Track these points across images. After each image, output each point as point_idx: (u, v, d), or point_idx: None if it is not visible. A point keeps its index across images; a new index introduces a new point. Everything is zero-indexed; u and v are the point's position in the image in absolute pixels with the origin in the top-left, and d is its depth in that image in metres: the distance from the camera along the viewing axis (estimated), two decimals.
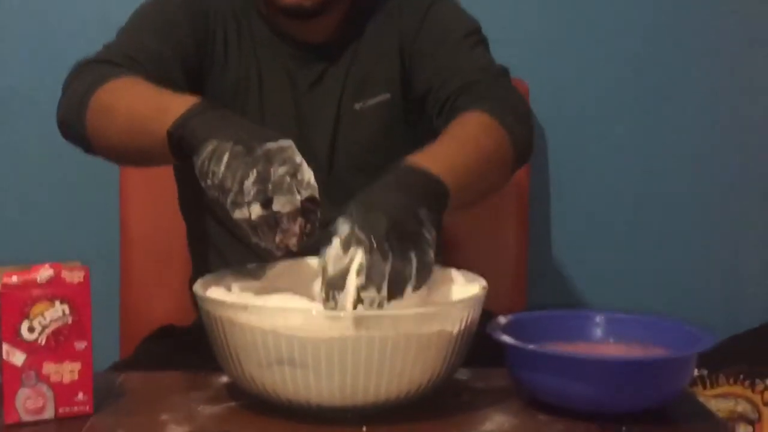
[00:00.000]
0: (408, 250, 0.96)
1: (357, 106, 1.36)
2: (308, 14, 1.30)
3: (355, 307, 0.94)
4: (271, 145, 0.96)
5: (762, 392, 1.80)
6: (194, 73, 1.31)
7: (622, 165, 2.04)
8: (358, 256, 0.94)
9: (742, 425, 1.78)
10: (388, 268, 0.94)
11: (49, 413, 0.97)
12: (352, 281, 0.94)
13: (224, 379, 1.08)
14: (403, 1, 1.39)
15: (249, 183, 0.94)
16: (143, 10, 1.35)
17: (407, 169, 1.05)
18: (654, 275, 2.06)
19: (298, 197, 0.95)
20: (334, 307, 0.95)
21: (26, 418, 0.97)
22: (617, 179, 2.04)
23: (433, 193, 1.03)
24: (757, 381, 1.81)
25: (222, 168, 0.96)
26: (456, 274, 1.10)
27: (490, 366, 1.08)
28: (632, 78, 2.03)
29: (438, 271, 1.10)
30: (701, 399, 1.82)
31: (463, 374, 1.09)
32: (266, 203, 0.95)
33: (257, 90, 1.35)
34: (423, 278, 0.97)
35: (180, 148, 1.04)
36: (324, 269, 0.96)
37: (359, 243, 0.94)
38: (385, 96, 1.37)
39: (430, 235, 0.99)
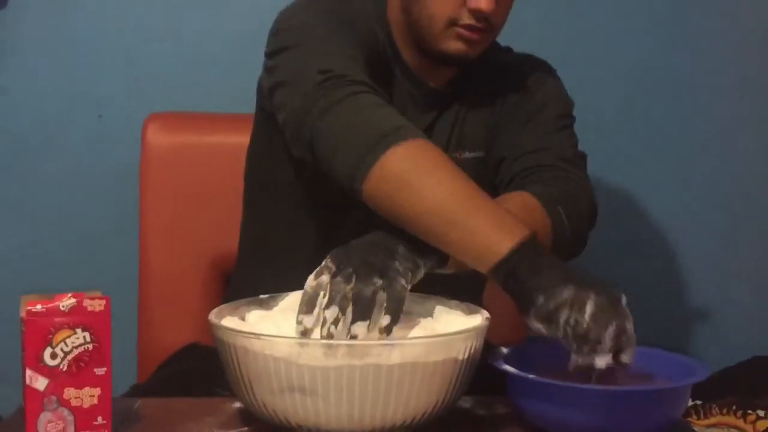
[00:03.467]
0: (372, 275, 0.98)
1: (456, 155, 1.33)
2: (466, 62, 1.29)
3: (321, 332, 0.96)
4: (622, 299, 0.99)
5: (753, 422, 1.77)
6: None
7: (615, 208, 2.04)
8: (324, 284, 0.98)
9: None
10: (348, 289, 0.97)
11: None
12: (319, 303, 0.98)
13: (237, 404, 1.07)
14: (517, 66, 1.39)
15: (608, 335, 0.95)
16: (321, 10, 1.27)
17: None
18: (650, 310, 2.04)
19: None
20: (302, 330, 0.98)
21: None
22: (615, 211, 2.04)
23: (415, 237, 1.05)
24: (749, 411, 1.79)
25: (586, 318, 0.96)
26: (460, 306, 1.10)
27: (492, 394, 1.08)
28: (630, 108, 2.04)
29: (442, 303, 1.10)
30: (696, 429, 1.81)
31: (466, 402, 1.08)
32: (615, 354, 0.96)
33: None
34: (393, 302, 0.98)
35: (510, 273, 1.01)
36: (303, 295, 1.00)
37: (328, 270, 0.99)
38: (480, 153, 1.36)
39: (402, 266, 1.01)
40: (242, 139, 1.47)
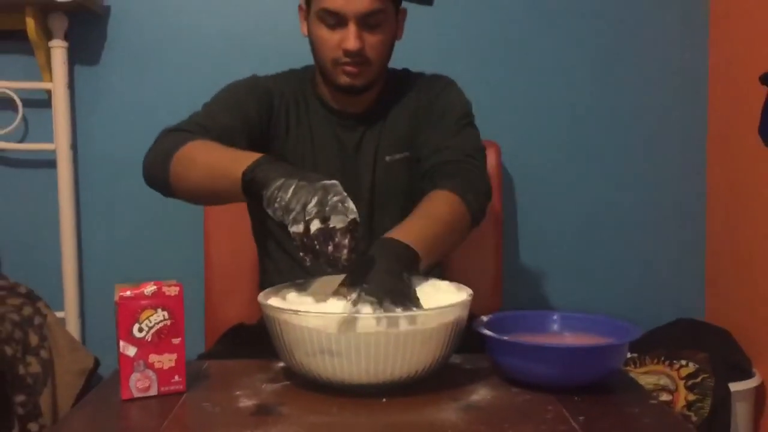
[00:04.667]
0: (401, 303, 0.97)
1: (387, 158, 1.36)
2: (356, 91, 1.30)
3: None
4: (326, 182, 0.97)
5: (678, 369, 1.77)
6: (258, 141, 1.30)
7: (572, 200, 2.04)
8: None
9: (663, 394, 1.76)
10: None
11: (153, 391, 0.98)
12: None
13: (281, 364, 1.08)
14: (423, 81, 1.40)
15: (311, 206, 0.94)
16: (222, 90, 1.34)
17: (393, 243, 1.07)
18: (598, 283, 2.06)
19: (348, 218, 0.94)
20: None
21: (137, 395, 0.97)
22: (569, 211, 2.04)
23: (410, 259, 1.06)
24: (674, 361, 1.79)
25: (288, 195, 0.96)
26: (449, 285, 1.10)
27: (475, 353, 1.08)
28: (576, 136, 2.04)
29: (436, 283, 1.11)
30: (632, 375, 1.81)
31: (456, 359, 1.08)
32: (323, 221, 0.94)
33: (311, 153, 1.35)
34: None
35: (250, 187, 1.02)
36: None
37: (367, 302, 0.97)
38: (406, 153, 1.37)
39: (409, 290, 1.01)
40: None
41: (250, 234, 1.72)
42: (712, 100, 2.03)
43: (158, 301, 0.97)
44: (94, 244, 1.97)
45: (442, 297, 1.06)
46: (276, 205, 0.97)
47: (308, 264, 0.96)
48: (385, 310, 0.96)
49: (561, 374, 0.96)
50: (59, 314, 1.86)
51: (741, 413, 1.78)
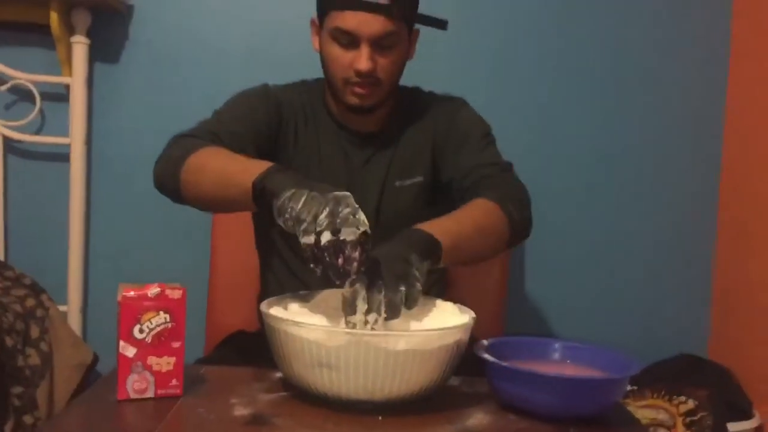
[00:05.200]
0: (398, 284, 0.97)
1: (397, 183, 1.35)
2: (365, 111, 1.30)
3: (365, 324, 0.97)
4: (338, 193, 0.96)
5: (677, 405, 1.76)
6: (266, 150, 1.29)
7: (580, 230, 2.04)
8: (362, 292, 0.97)
9: (661, 430, 1.74)
10: (381, 297, 0.96)
11: (150, 393, 0.97)
12: (360, 308, 0.97)
13: (279, 374, 1.07)
14: (436, 104, 1.38)
15: (322, 217, 0.93)
16: (233, 98, 1.34)
17: (409, 229, 1.07)
18: (602, 313, 2.05)
19: (359, 230, 0.94)
20: (352, 326, 0.98)
21: (133, 396, 0.97)
22: (576, 241, 2.04)
23: (424, 243, 1.04)
24: (674, 397, 1.77)
25: (300, 205, 0.95)
26: (452, 307, 1.10)
27: (475, 376, 1.07)
28: (586, 165, 2.03)
29: (439, 304, 1.10)
30: (631, 409, 1.80)
31: (454, 381, 1.08)
32: (334, 233, 0.93)
33: (318, 166, 1.34)
34: (412, 302, 0.98)
35: (261, 196, 1.01)
36: (343, 298, 0.99)
37: (361, 282, 0.97)
38: (419, 179, 1.35)
39: (419, 272, 1.00)
40: None
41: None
42: (727, 139, 2.02)
43: (161, 303, 0.97)
44: (101, 241, 1.98)
45: (444, 318, 1.06)
46: (287, 215, 0.96)
47: (318, 275, 0.96)
48: (373, 295, 0.96)
49: (559, 404, 0.95)
50: (62, 308, 1.86)
51: None
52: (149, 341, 0.97)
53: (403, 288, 0.97)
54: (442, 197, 1.35)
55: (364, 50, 1.23)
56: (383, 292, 0.96)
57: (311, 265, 0.95)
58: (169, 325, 0.98)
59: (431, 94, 1.42)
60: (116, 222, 1.98)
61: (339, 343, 0.92)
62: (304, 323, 0.96)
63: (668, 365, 1.94)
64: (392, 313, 0.96)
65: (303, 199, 0.95)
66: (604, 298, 2.05)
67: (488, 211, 1.18)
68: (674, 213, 2.05)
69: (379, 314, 0.96)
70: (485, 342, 1.06)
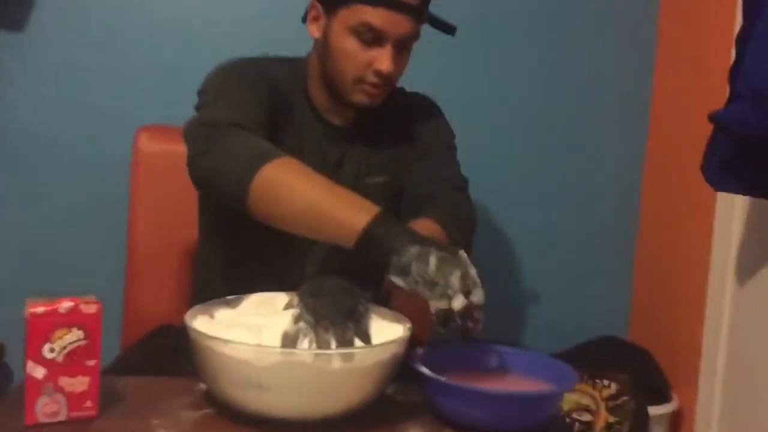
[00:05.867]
0: (347, 322, 0.94)
1: (367, 180, 1.28)
2: (368, 110, 1.23)
3: None
4: (462, 252, 0.94)
5: (600, 390, 1.78)
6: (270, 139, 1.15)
7: (504, 211, 2.03)
8: (308, 332, 0.92)
9: (585, 414, 1.77)
10: (331, 336, 0.92)
11: (62, 416, 0.90)
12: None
13: (203, 386, 1.00)
14: (409, 104, 1.33)
15: (454, 280, 0.90)
16: (225, 75, 1.20)
17: (349, 252, 1.01)
18: (524, 293, 2.06)
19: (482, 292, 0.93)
20: None
21: (43, 420, 0.89)
22: (500, 221, 2.03)
23: (365, 276, 1.02)
24: (597, 381, 1.80)
25: (431, 268, 0.91)
26: (388, 313, 1.05)
27: (408, 383, 1.02)
28: (513, 147, 2.02)
29: (376, 309, 1.05)
30: None
31: (390, 388, 1.03)
32: (465, 295, 0.91)
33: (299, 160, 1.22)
34: (364, 335, 0.95)
35: (370, 244, 0.95)
36: (284, 334, 0.93)
37: (307, 323, 0.93)
38: (385, 178, 1.30)
39: (363, 306, 0.98)
40: None
41: (179, 225, 1.63)
42: (653, 126, 2.04)
43: (74, 319, 0.89)
44: (5, 222, 1.84)
45: (380, 329, 1.01)
46: (417, 277, 0.92)
47: (441, 332, 0.93)
48: (320, 334, 0.92)
49: (497, 419, 0.93)
50: None
51: None
52: (61, 361, 0.89)
53: (351, 326, 0.94)
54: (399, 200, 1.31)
55: (389, 50, 1.16)
56: (331, 332, 0.92)
57: (439, 328, 0.93)
58: (84, 342, 0.90)
59: (403, 92, 1.35)
60: (24, 202, 1.84)
61: (271, 363, 0.87)
62: (233, 341, 0.89)
63: (590, 348, 1.97)
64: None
65: (433, 260, 0.91)
66: (526, 278, 2.05)
67: (430, 231, 1.13)
68: (598, 192, 2.06)
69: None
70: (420, 350, 1.02)
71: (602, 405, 1.77)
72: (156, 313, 1.58)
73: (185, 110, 1.18)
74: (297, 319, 0.95)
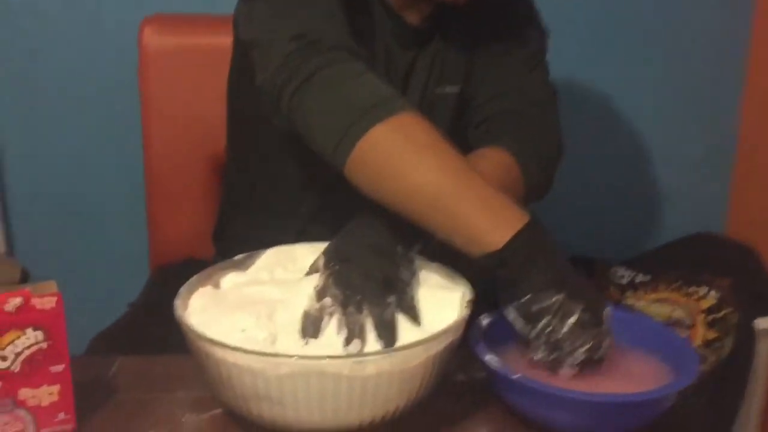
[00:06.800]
0: (384, 295, 0.71)
1: (438, 90, 1.00)
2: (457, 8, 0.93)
3: None
4: (608, 314, 0.72)
5: (697, 300, 1.53)
6: None
7: (592, 92, 1.71)
8: (335, 310, 0.70)
9: (678, 330, 1.52)
10: (364, 317, 0.69)
11: None
12: (330, 332, 0.70)
13: None
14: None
15: (582, 351, 0.70)
16: None
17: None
18: (608, 189, 1.78)
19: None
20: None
21: None
22: (585, 106, 1.71)
23: (416, 230, 0.76)
24: (693, 288, 1.54)
25: (565, 329, 0.70)
26: (440, 277, 0.80)
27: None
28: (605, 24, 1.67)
29: (423, 271, 0.81)
30: (642, 305, 1.57)
31: None
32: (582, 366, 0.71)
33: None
34: (410, 310, 0.72)
35: (500, 265, 0.71)
36: (304, 316, 0.71)
37: (334, 297, 0.70)
38: (455, 88, 1.01)
39: (407, 270, 0.75)
40: None
41: (202, 133, 1.39)
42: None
43: (26, 318, 0.68)
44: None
45: (431, 299, 0.76)
46: (542, 333, 0.70)
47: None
48: (351, 315, 0.70)
49: (587, 427, 0.70)
50: None
51: (765, 353, 1.55)
52: (17, 370, 0.69)
53: (392, 299, 0.71)
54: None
55: None
56: (365, 310, 0.70)
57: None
58: (44, 344, 0.69)
59: None
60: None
61: (284, 372, 0.65)
62: (237, 347, 0.66)
63: (683, 247, 1.70)
64: (387, 335, 0.69)
65: (571, 322, 0.70)
66: (606, 172, 1.76)
67: (502, 167, 0.88)
68: (696, 70, 1.71)
69: (363, 341, 0.69)
70: (484, 321, 0.78)
71: (700, 318, 1.52)
72: (183, 234, 1.39)
73: None
74: (321, 294, 0.72)
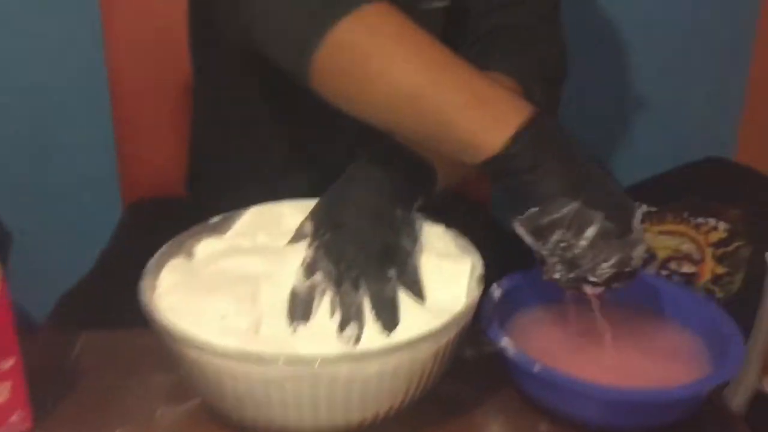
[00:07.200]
0: (384, 268, 0.61)
1: (424, 5, 0.86)
2: None
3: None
4: (637, 225, 0.59)
5: (706, 233, 1.45)
6: None
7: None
8: (327, 288, 0.60)
9: (685, 264, 1.45)
10: (361, 295, 0.60)
11: None
12: (323, 314, 0.60)
13: None
14: None
15: (606, 266, 0.58)
16: None
17: (398, 157, 0.67)
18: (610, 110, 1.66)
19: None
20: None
21: None
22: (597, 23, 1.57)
23: (419, 181, 0.67)
24: (701, 220, 1.46)
25: (584, 243, 0.57)
26: (447, 246, 0.70)
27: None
28: None
29: (427, 240, 0.71)
30: (648, 236, 1.48)
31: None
32: (608, 282, 0.59)
33: None
34: (412, 285, 0.62)
35: (501, 173, 0.59)
36: (291, 296, 0.61)
37: (326, 273, 0.61)
38: (444, 2, 0.86)
39: (409, 237, 0.65)
40: None
41: (170, 49, 1.25)
42: None
43: None
44: None
45: (437, 271, 0.66)
46: (557, 249, 0.58)
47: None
48: (345, 293, 0.60)
49: (614, 420, 0.62)
50: None
51: None
52: None
53: (392, 273, 0.61)
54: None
55: None
56: (362, 287, 0.60)
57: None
58: None
59: None
60: None
61: (270, 377, 0.55)
62: (216, 350, 0.56)
63: (691, 173, 1.60)
64: (387, 316, 0.60)
65: (591, 232, 0.57)
66: (606, 91, 1.64)
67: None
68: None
69: (361, 324, 0.59)
70: (495, 294, 0.68)
71: (708, 252, 1.44)
72: (155, 167, 1.28)
73: None
74: (310, 269, 0.62)
